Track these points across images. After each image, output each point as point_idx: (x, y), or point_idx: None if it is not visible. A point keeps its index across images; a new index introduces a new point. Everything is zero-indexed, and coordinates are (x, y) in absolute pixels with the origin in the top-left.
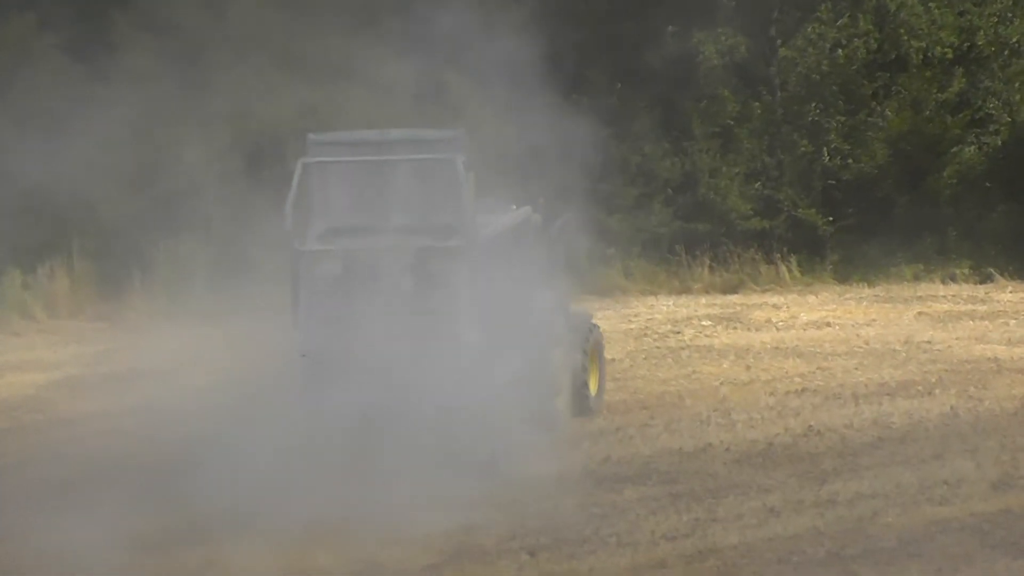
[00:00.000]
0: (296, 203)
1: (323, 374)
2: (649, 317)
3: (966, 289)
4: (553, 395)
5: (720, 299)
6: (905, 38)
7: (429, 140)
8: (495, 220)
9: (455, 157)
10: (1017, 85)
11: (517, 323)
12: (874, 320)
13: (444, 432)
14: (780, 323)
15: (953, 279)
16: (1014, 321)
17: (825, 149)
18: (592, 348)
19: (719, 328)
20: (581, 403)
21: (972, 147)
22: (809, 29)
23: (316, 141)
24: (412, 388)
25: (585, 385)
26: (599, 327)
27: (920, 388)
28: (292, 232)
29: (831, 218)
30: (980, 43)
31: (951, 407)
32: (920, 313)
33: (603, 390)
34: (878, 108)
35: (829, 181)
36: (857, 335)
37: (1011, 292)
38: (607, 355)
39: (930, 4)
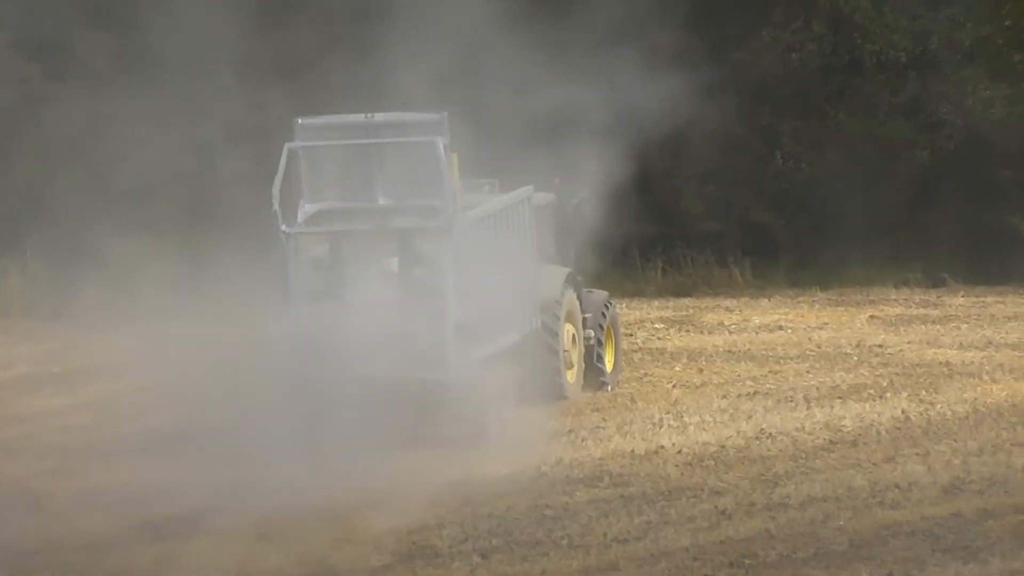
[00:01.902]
0: (283, 186)
1: (311, 351)
2: None
3: (918, 293)
4: (560, 370)
5: (673, 302)
6: (859, 42)
7: (412, 123)
8: (484, 200)
9: (436, 140)
10: (970, 89)
11: (512, 299)
12: (826, 323)
13: (422, 408)
14: (733, 326)
15: (905, 283)
16: (966, 325)
17: (779, 152)
18: (608, 325)
19: (672, 331)
20: (595, 378)
21: (925, 151)
22: (764, 32)
23: (304, 125)
24: (397, 364)
25: (600, 360)
26: (615, 305)
27: (872, 392)
28: (279, 215)
29: (784, 221)
30: (934, 47)
31: (902, 411)
32: (872, 317)
33: (620, 367)
34: (831, 112)
35: (782, 184)
36: (809, 338)
37: (963, 296)
38: None
39: (884, 8)
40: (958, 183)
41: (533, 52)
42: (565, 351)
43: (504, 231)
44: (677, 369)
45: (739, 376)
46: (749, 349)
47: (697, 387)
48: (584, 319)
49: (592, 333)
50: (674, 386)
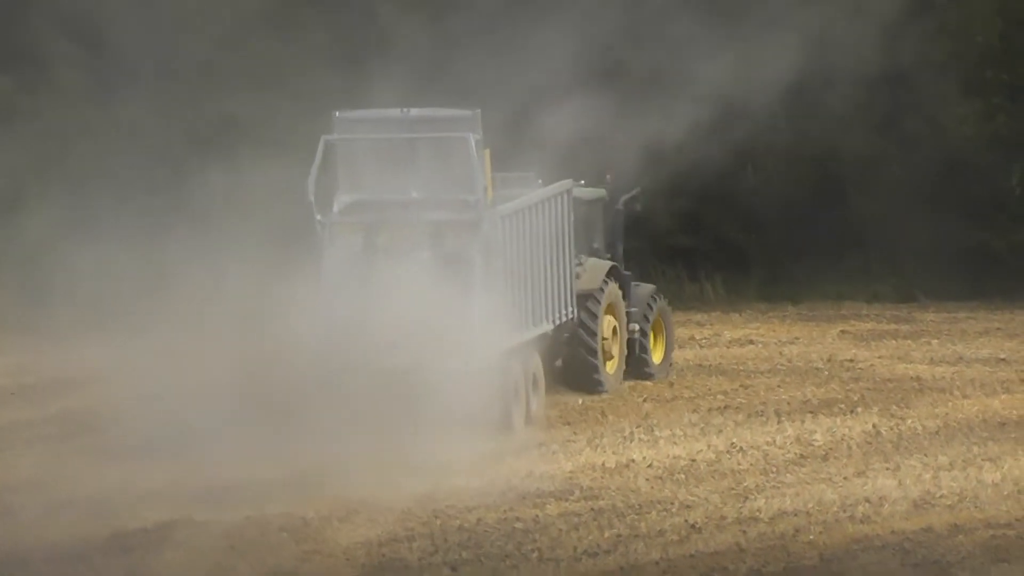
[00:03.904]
0: (319, 178)
1: (343, 340)
2: None
3: (889, 308)
4: (597, 361)
5: None
6: (832, 56)
7: (446, 119)
8: (520, 194)
9: (468, 136)
10: (943, 105)
11: (545, 291)
12: (797, 338)
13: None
14: (704, 340)
15: (877, 298)
16: (936, 340)
17: (750, 167)
18: (658, 318)
19: None
20: (641, 370)
21: (897, 167)
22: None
23: (341, 119)
24: (428, 354)
25: (645, 352)
26: (663, 298)
27: (843, 406)
28: (315, 206)
29: (755, 236)
30: (907, 62)
31: (873, 425)
32: (843, 332)
33: (670, 360)
34: (803, 127)
35: (754, 199)
36: (780, 353)
37: (934, 312)
38: None
39: (858, 23)
40: (930, 199)
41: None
42: (604, 341)
43: (539, 224)
44: (648, 383)
45: (710, 390)
46: (720, 363)
47: (668, 401)
48: (629, 312)
49: (637, 326)
50: (645, 400)
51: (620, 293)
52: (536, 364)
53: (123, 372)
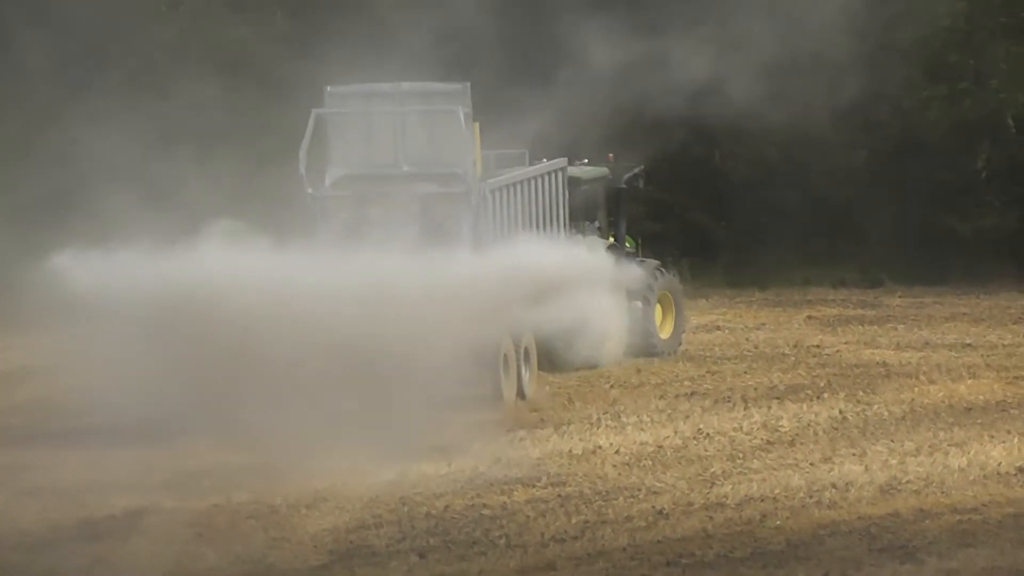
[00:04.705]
0: (310, 151)
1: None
2: None
3: (856, 294)
4: (597, 340)
5: None
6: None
7: (436, 93)
8: (511, 170)
9: (457, 109)
10: (908, 89)
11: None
12: (764, 324)
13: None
14: None
15: (843, 283)
16: (902, 326)
17: (717, 153)
18: (667, 293)
19: None
20: (648, 346)
21: (863, 152)
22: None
23: (333, 93)
24: (416, 328)
25: (652, 324)
26: (671, 273)
27: (809, 392)
28: (306, 179)
29: (722, 222)
30: (872, 48)
31: (840, 411)
32: (810, 317)
33: (679, 336)
34: (769, 112)
35: (720, 185)
36: (747, 339)
37: (900, 297)
38: None
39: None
40: (896, 184)
41: None
42: (596, 322)
43: (530, 201)
44: (614, 369)
45: (677, 376)
46: (687, 349)
47: (635, 387)
48: (630, 289)
49: (639, 302)
50: (612, 386)
51: (619, 271)
52: (528, 338)
53: (90, 359)
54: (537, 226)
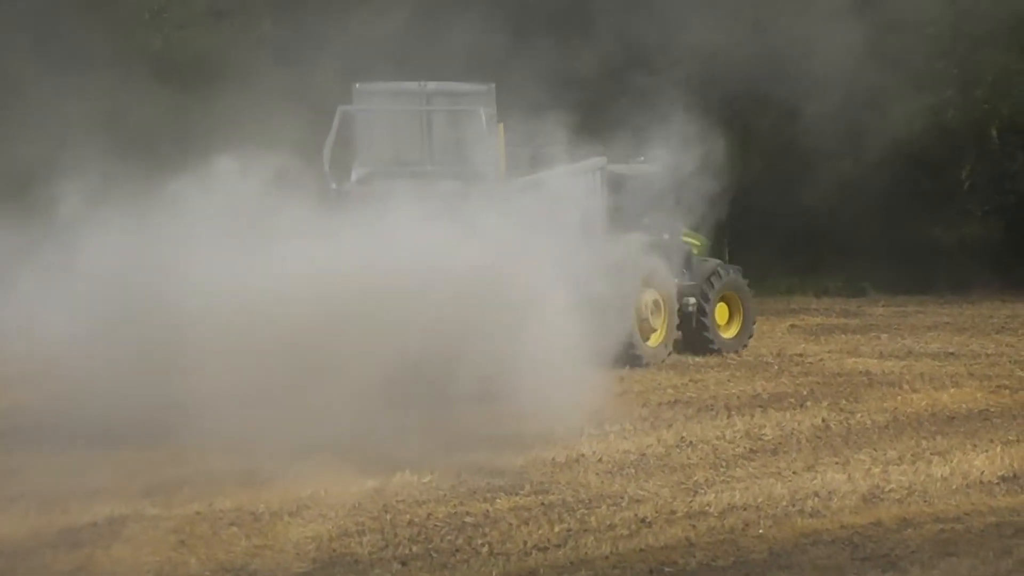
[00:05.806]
0: (335, 148)
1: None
2: None
3: (839, 302)
4: (632, 335)
5: None
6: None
7: (462, 93)
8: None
9: (479, 109)
10: (893, 99)
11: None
12: None
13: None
14: None
15: (826, 292)
16: (886, 335)
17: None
18: (731, 292)
19: None
20: (703, 345)
21: (847, 160)
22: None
23: (360, 90)
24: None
25: (707, 317)
26: (733, 270)
27: (792, 400)
28: (330, 174)
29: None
30: (856, 56)
31: (823, 419)
32: (793, 326)
33: (745, 335)
34: (752, 119)
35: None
36: None
37: (883, 306)
38: None
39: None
40: (880, 193)
41: None
42: (643, 320)
43: (560, 199)
44: (597, 377)
45: (660, 384)
46: (670, 357)
47: (618, 395)
48: (685, 287)
49: (694, 300)
50: (594, 394)
51: (666, 268)
52: (548, 336)
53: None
54: (568, 223)
